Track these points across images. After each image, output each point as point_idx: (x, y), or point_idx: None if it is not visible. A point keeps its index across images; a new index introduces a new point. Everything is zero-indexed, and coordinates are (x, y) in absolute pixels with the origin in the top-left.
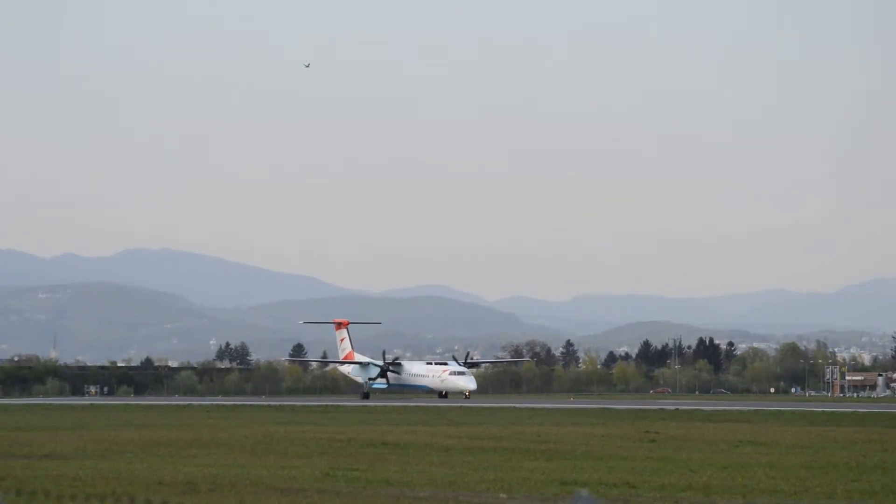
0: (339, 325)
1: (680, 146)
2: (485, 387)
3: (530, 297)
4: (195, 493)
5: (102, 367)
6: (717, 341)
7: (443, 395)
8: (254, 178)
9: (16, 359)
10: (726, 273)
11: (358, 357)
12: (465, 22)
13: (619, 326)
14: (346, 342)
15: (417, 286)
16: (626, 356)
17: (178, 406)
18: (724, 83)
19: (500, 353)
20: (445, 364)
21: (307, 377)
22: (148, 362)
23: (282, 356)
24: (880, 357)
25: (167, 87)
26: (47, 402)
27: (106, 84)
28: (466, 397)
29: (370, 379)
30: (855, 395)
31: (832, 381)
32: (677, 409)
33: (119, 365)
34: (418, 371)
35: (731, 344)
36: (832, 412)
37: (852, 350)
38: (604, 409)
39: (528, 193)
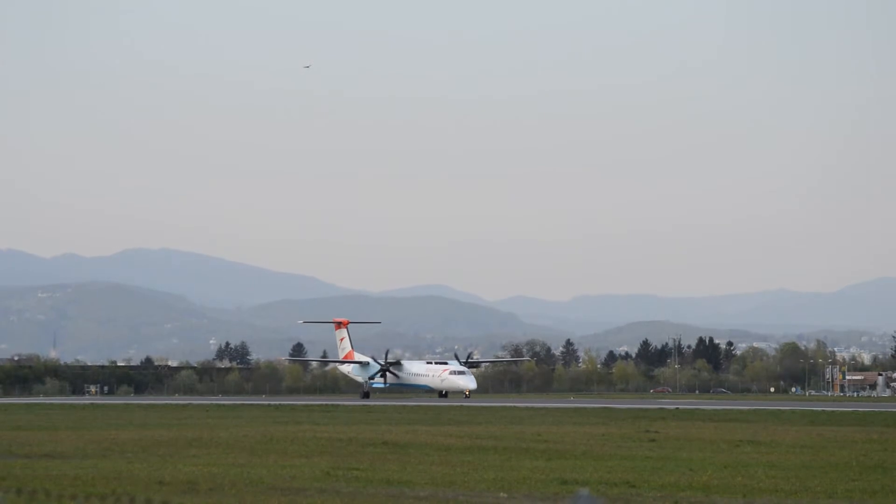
0: (339, 325)
1: (679, 145)
2: (485, 386)
3: (530, 297)
4: (195, 492)
5: (102, 367)
6: (716, 341)
7: (443, 394)
8: (254, 178)
9: (16, 359)
10: (726, 273)
11: (358, 357)
12: (465, 21)
13: (619, 326)
14: (346, 342)
15: (417, 286)
16: (626, 356)
17: (178, 406)
18: (723, 81)
19: (500, 353)
20: (445, 364)
21: (307, 377)
22: (148, 362)
23: (282, 356)
24: (880, 356)
25: (167, 86)
26: (47, 401)
27: (106, 83)
28: (466, 397)
29: (370, 378)
30: (855, 394)
31: (832, 381)
32: (677, 408)
33: (119, 365)
34: (418, 370)
35: (730, 343)
36: (832, 412)
37: (852, 350)
38: (604, 408)
39: (527, 193)
